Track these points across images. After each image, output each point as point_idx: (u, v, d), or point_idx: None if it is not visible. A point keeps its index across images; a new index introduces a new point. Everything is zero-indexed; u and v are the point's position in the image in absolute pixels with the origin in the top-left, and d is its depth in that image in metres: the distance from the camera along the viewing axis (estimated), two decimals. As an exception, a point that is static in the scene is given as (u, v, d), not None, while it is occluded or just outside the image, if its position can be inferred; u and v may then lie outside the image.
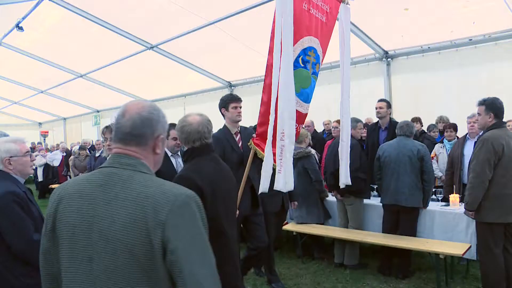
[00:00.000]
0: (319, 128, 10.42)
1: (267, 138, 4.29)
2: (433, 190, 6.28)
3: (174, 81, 14.30)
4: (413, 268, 6.03)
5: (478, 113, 4.92)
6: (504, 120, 4.83)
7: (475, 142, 5.32)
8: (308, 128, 8.82)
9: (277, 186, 4.11)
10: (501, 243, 4.71)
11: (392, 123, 6.89)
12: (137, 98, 16.46)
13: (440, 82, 9.30)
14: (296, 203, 6.36)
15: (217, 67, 12.82)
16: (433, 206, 5.99)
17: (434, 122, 8.52)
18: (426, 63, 9.52)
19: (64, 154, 15.56)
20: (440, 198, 6.46)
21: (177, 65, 12.40)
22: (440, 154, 7.44)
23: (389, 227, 5.97)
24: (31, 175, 9.79)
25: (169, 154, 4.56)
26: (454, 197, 5.91)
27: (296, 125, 4.38)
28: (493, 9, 7.76)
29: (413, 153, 5.70)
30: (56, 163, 15.56)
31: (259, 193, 4.34)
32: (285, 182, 4.11)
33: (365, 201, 6.49)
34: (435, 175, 6.89)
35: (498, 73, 8.46)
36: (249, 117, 12.60)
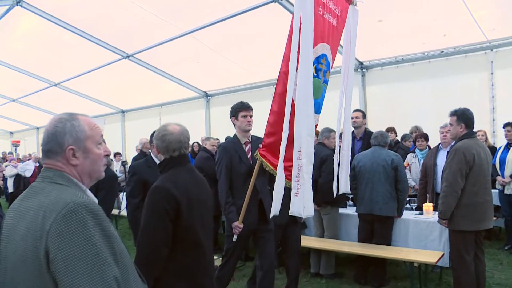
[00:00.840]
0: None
1: (275, 150, 4.13)
2: (407, 199, 6.36)
3: (150, 91, 14.23)
4: (388, 276, 6.08)
5: (450, 124, 5.02)
6: (474, 130, 4.95)
7: (448, 152, 5.42)
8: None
9: (293, 211, 3.88)
10: (472, 251, 4.80)
11: (367, 133, 6.98)
12: (114, 108, 16.39)
13: (413, 92, 9.50)
14: None
15: (193, 77, 12.82)
16: (407, 215, 6.06)
17: (408, 132, 8.66)
18: (400, 74, 9.73)
19: (37, 164, 15.24)
20: (414, 207, 6.55)
21: (153, 75, 12.34)
22: (413, 163, 7.55)
23: (365, 236, 6.02)
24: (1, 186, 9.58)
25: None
26: (427, 206, 6.00)
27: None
28: (462, 23, 7.97)
29: (387, 162, 5.77)
30: (28, 174, 15.22)
31: (270, 216, 4.14)
32: (304, 206, 3.88)
33: (341, 210, 6.53)
34: (409, 184, 6.99)
35: (469, 85, 8.69)
36: (224, 128, 12.63)
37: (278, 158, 4.04)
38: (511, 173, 7.02)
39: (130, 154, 11.55)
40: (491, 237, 7.59)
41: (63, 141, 1.73)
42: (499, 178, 7.17)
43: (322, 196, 5.82)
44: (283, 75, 4.14)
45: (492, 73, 8.52)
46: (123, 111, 17.11)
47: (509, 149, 7.17)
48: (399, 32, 8.76)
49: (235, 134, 4.90)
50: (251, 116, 4.80)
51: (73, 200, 1.56)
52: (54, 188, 1.65)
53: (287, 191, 4.07)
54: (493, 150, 7.52)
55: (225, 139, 10.56)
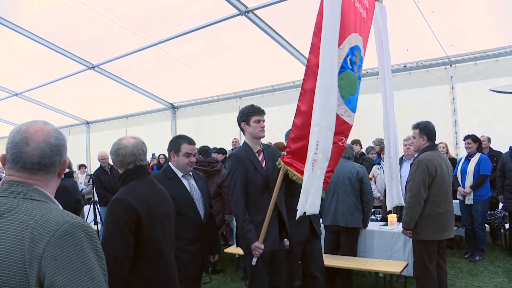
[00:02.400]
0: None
1: (303, 156, 3.71)
2: (372, 210, 6.46)
3: (115, 102, 14.08)
4: (355, 287, 6.13)
5: (413, 136, 5.14)
6: (436, 142, 5.09)
7: (411, 164, 5.55)
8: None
9: (301, 207, 3.58)
10: (435, 260, 4.90)
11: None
12: (79, 119, 16.07)
13: (378, 105, 9.63)
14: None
15: (160, 89, 12.78)
16: (372, 226, 6.15)
17: (372, 144, 8.82)
18: (365, 88, 9.82)
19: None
20: (379, 218, 6.65)
21: (119, 86, 12.23)
22: (378, 175, 7.69)
23: (331, 248, 6.07)
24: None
25: (180, 174, 3.81)
26: (392, 217, 6.11)
27: (342, 139, 3.85)
28: (423, 39, 8.22)
29: (352, 174, 5.85)
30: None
31: (297, 216, 3.68)
32: (311, 203, 3.55)
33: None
34: (374, 196, 7.10)
35: (431, 98, 8.95)
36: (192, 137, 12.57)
37: (303, 161, 3.74)
38: (471, 184, 7.22)
39: (95, 166, 11.42)
40: (453, 246, 7.77)
41: (64, 154, 1.66)
42: (460, 188, 7.37)
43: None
44: (313, 68, 3.70)
45: (452, 88, 8.81)
46: (88, 122, 16.83)
47: (469, 160, 7.38)
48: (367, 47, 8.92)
49: (244, 142, 4.29)
50: (264, 121, 4.23)
51: (66, 220, 1.44)
52: (34, 205, 1.50)
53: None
54: (454, 161, 7.74)
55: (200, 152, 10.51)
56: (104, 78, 11.75)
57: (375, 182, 7.63)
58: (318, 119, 3.50)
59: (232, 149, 10.66)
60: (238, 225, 4.08)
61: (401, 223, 5.32)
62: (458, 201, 7.39)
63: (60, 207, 1.61)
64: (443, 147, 7.77)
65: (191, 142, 3.83)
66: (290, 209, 4.21)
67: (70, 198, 5.66)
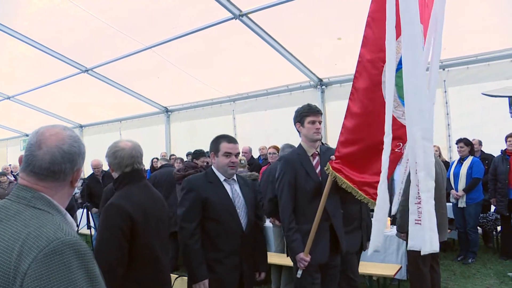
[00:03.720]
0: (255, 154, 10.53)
1: (355, 162, 3.43)
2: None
3: (109, 105, 14.04)
4: (347, 290, 6.12)
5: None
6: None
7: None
8: (245, 155, 8.87)
9: (414, 245, 3.00)
10: (428, 263, 4.92)
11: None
12: (72, 122, 16.02)
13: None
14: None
15: (154, 92, 12.75)
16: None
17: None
18: (344, 93, 9.94)
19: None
20: (372, 221, 6.65)
21: (112, 89, 12.20)
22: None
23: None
24: None
25: (221, 178, 3.49)
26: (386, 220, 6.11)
27: (400, 145, 3.39)
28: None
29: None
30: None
31: (370, 252, 3.31)
32: (431, 239, 2.77)
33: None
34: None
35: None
36: (184, 143, 12.54)
37: (359, 171, 3.43)
38: (464, 187, 7.25)
39: (88, 170, 11.37)
40: (446, 248, 7.80)
41: (77, 163, 1.59)
42: (453, 191, 7.40)
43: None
44: (367, 65, 3.38)
45: (445, 91, 8.85)
46: (81, 126, 16.76)
47: (462, 163, 7.42)
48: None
49: (299, 144, 3.95)
50: (320, 122, 3.86)
51: (58, 237, 1.35)
52: (34, 214, 1.43)
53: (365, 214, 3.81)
54: (447, 164, 7.78)
55: (186, 155, 10.50)
56: (97, 82, 11.71)
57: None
58: (410, 129, 2.90)
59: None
60: (284, 234, 3.84)
61: (395, 227, 5.33)
62: (451, 204, 7.42)
63: (68, 218, 1.54)
64: (436, 150, 7.80)
65: (231, 140, 3.52)
66: (345, 217, 3.97)
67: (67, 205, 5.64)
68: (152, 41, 9.46)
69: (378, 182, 3.16)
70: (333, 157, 3.59)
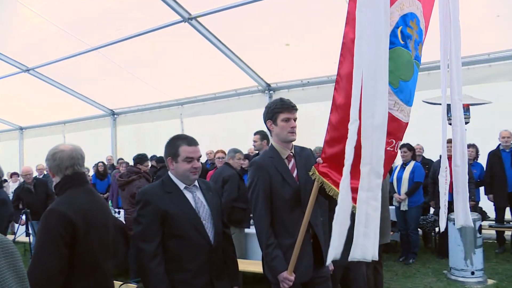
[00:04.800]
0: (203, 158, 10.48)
1: (341, 164, 2.55)
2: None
3: (52, 107, 13.61)
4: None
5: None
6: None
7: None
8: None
9: (356, 253, 2.34)
10: (372, 264, 5.04)
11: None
12: (11, 124, 15.41)
13: (319, 114, 9.87)
14: None
15: (100, 94, 12.47)
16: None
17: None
18: (306, 96, 10.12)
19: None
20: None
21: (56, 90, 11.84)
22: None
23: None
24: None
25: (181, 186, 2.95)
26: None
27: (392, 142, 2.81)
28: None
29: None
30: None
31: (327, 262, 2.59)
32: (363, 245, 2.36)
33: (246, 230, 6.58)
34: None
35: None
36: (131, 147, 12.30)
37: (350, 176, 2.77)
38: (407, 191, 7.52)
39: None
40: (388, 250, 8.04)
41: None
42: (395, 195, 7.65)
43: (226, 216, 5.84)
44: (351, 46, 2.61)
45: (388, 98, 9.14)
46: (21, 128, 16.14)
47: (404, 168, 7.70)
48: (305, 56, 9.14)
49: (271, 145, 3.43)
50: (295, 120, 3.29)
51: None
52: None
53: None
54: (390, 169, 8.04)
55: (135, 160, 10.28)
56: (39, 82, 11.33)
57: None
58: (357, 114, 2.42)
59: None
60: (262, 251, 3.26)
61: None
62: (393, 207, 7.66)
63: None
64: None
65: (191, 142, 2.96)
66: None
67: (8, 211, 5.39)
68: (99, 42, 9.25)
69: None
70: (320, 159, 3.02)
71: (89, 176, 11.39)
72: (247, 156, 8.42)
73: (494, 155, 7.74)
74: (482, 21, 7.35)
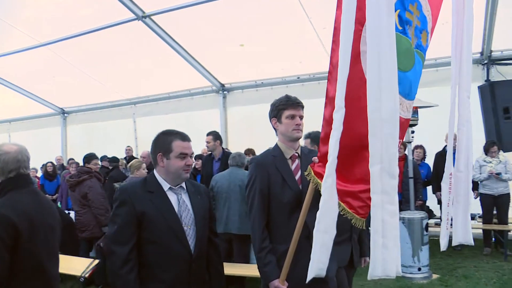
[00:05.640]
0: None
1: (338, 164, 2.35)
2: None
3: (-3, 105, 13.07)
4: (247, 294, 6.18)
5: (305, 146, 5.34)
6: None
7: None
8: (144, 160, 8.65)
9: (375, 271, 2.05)
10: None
11: (226, 154, 7.11)
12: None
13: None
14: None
15: (49, 92, 12.10)
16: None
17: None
18: (260, 97, 10.18)
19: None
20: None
21: (1, 87, 11.39)
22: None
23: (224, 256, 6.09)
24: None
25: (165, 186, 2.69)
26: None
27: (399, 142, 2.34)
28: (316, 53, 8.64)
29: (243, 182, 5.90)
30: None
31: (308, 279, 2.39)
32: (395, 263, 2.07)
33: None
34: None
35: (322, 109, 9.38)
36: (80, 145, 11.97)
37: (341, 177, 2.53)
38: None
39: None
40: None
41: None
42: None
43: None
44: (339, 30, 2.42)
45: (342, 100, 9.33)
46: (-39, 126, 15.48)
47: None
48: (259, 57, 9.20)
49: (276, 144, 3.18)
50: (301, 118, 3.10)
51: None
52: None
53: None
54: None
55: (84, 160, 10.03)
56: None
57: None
58: (342, 101, 2.23)
59: (125, 158, 10.35)
60: (255, 254, 3.01)
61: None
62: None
63: None
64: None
65: (185, 137, 2.76)
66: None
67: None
68: (48, 38, 8.98)
69: (364, 191, 2.37)
70: (315, 158, 2.77)
71: (37, 177, 11.04)
72: (200, 156, 8.40)
73: (441, 156, 8.02)
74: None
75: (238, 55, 9.10)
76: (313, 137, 5.03)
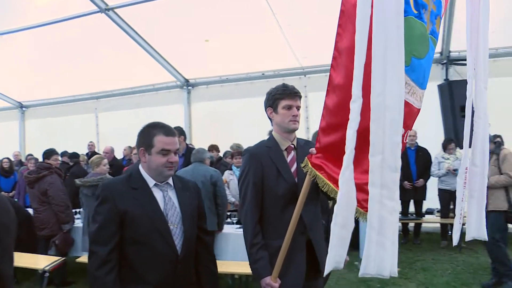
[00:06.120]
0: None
1: (340, 156, 2.09)
2: (228, 213, 6.67)
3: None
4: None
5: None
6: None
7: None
8: (106, 155, 8.50)
9: (368, 268, 1.92)
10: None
11: (189, 150, 7.07)
12: None
13: (236, 111, 10.00)
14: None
15: (6, 85, 11.75)
16: (228, 229, 6.27)
17: (229, 149, 9.01)
18: (224, 93, 10.17)
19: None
20: (234, 221, 6.81)
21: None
22: (231, 180, 7.84)
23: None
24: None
25: (151, 183, 2.53)
26: (247, 219, 6.29)
27: (402, 131, 2.04)
28: (281, 50, 8.68)
29: (206, 178, 5.93)
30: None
31: (325, 272, 2.10)
32: (391, 260, 1.94)
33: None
34: (228, 200, 7.31)
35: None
36: (39, 141, 11.66)
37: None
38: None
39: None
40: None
41: None
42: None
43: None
44: (350, 12, 2.30)
45: (306, 96, 9.38)
46: None
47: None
48: (224, 53, 9.16)
49: (271, 135, 3.03)
50: (298, 108, 2.91)
51: None
52: None
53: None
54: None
55: (43, 155, 9.76)
56: None
57: (229, 187, 7.78)
58: (360, 90, 1.99)
59: (87, 153, 10.14)
60: (247, 250, 2.87)
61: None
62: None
63: None
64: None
65: (169, 132, 2.54)
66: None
67: None
68: (3, 28, 8.68)
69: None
70: (313, 149, 2.65)
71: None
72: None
73: (404, 155, 8.21)
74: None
75: (203, 51, 9.04)
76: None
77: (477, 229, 2.61)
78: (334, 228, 2.01)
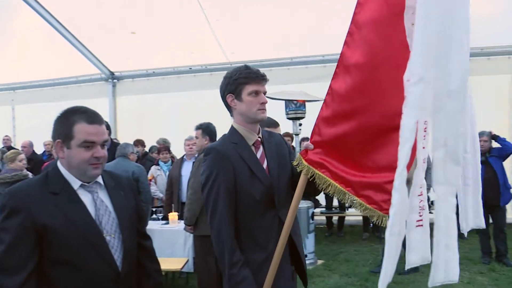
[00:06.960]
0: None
1: (349, 150, 2.14)
2: (154, 209, 6.61)
3: None
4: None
5: (196, 137, 5.34)
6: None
7: (193, 163, 5.75)
8: (24, 150, 8.09)
9: (437, 276, 1.72)
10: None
11: (114, 144, 6.91)
12: None
13: (163, 105, 9.89)
14: None
15: None
16: (153, 225, 6.18)
17: (156, 144, 8.89)
18: (151, 87, 10.02)
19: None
20: (160, 217, 6.73)
21: None
22: (158, 175, 7.76)
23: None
24: None
25: (76, 184, 1.95)
26: (173, 215, 6.23)
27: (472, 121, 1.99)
28: (208, 45, 8.67)
29: (128, 174, 5.83)
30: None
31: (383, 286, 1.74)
32: (445, 263, 1.74)
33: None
34: (156, 196, 7.24)
35: (214, 100, 9.42)
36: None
37: (356, 166, 2.17)
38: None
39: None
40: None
41: None
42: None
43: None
44: None
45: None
46: None
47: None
48: (151, 46, 9.02)
49: (232, 128, 2.49)
50: (265, 93, 2.43)
51: None
52: None
53: None
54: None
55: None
56: None
57: (156, 183, 7.68)
58: (422, 69, 1.67)
59: (2, 148, 9.58)
60: (226, 271, 2.30)
61: (182, 221, 5.47)
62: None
63: None
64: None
65: (93, 119, 1.97)
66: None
67: None
68: None
69: (391, 182, 1.74)
70: (309, 144, 2.33)
71: None
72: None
73: None
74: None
75: (129, 43, 8.83)
76: (205, 127, 5.05)
77: (475, 218, 2.34)
78: (391, 239, 1.71)
